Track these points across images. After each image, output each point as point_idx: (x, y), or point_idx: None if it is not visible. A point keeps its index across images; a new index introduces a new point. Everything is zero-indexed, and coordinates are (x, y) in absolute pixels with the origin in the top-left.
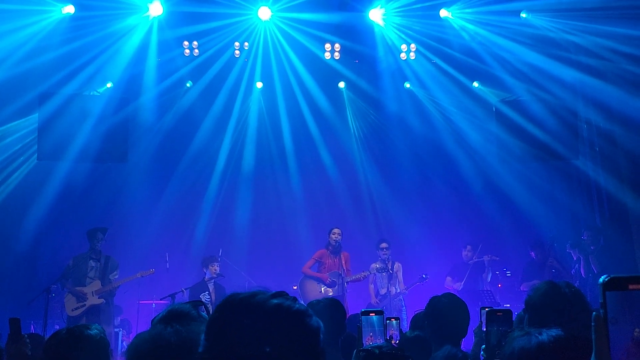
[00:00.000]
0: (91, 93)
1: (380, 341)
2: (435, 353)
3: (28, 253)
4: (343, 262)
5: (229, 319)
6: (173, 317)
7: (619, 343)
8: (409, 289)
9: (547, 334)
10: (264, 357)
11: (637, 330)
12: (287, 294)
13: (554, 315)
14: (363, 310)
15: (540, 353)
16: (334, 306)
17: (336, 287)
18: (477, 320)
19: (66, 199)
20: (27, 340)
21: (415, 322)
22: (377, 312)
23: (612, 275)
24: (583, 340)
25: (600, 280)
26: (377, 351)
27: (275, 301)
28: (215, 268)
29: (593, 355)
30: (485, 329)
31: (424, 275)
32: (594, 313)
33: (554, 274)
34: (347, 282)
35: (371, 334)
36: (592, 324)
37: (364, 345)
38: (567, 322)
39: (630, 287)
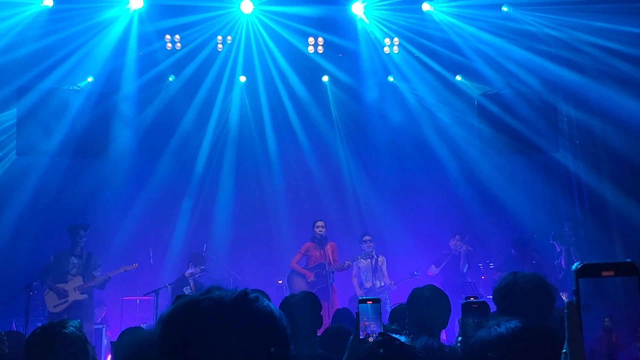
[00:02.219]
0: (71, 87)
1: (376, 329)
2: (412, 344)
3: (7, 250)
4: (329, 252)
5: (180, 334)
6: None
7: (591, 331)
8: (398, 284)
9: (505, 326)
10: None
11: (607, 319)
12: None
13: (513, 300)
14: (360, 298)
15: (499, 344)
16: (308, 299)
17: (322, 278)
18: (460, 312)
19: (46, 194)
20: (5, 338)
21: (394, 315)
22: (374, 300)
23: (584, 262)
24: (540, 330)
25: (573, 267)
26: (396, 342)
27: (223, 297)
28: (202, 269)
29: (566, 341)
30: (462, 321)
31: (415, 273)
32: (566, 300)
33: (535, 265)
34: (333, 272)
35: (365, 319)
36: (565, 311)
37: (361, 332)
38: (527, 305)
39: (603, 273)
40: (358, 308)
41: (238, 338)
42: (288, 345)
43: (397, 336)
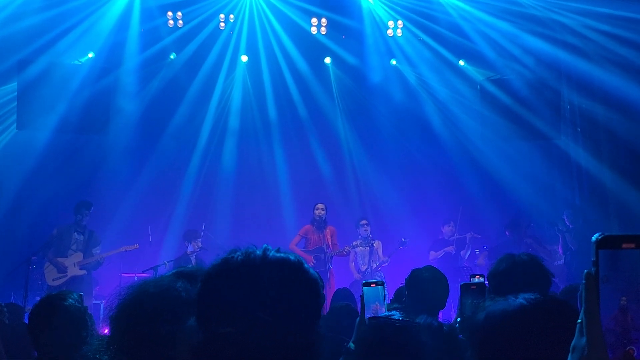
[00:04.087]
0: (72, 62)
1: (382, 310)
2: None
3: (7, 223)
4: (329, 237)
5: (223, 286)
6: (181, 275)
7: (606, 309)
8: (391, 256)
9: (524, 298)
10: (261, 322)
11: (623, 298)
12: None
13: (512, 283)
14: (364, 282)
15: (520, 316)
16: None
17: (320, 262)
18: (456, 294)
19: (46, 169)
20: (5, 310)
21: (398, 295)
22: (377, 283)
23: (605, 234)
24: (561, 303)
25: (594, 238)
26: (387, 320)
27: (271, 256)
28: (198, 244)
29: (582, 312)
30: (459, 302)
31: (403, 239)
32: (585, 271)
33: (530, 252)
34: (332, 257)
35: (377, 303)
36: (583, 281)
37: (367, 315)
38: (525, 288)
39: (624, 245)
40: (362, 291)
41: (272, 288)
42: (318, 292)
43: (391, 313)
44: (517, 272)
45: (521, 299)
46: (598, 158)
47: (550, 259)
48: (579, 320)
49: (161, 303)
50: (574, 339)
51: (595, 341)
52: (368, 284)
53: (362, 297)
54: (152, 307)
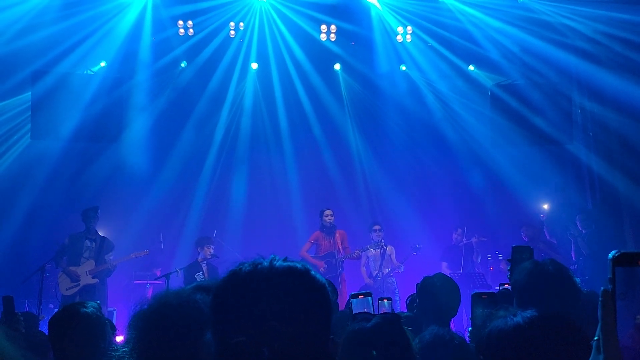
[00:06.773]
0: (85, 72)
1: None
2: (422, 333)
3: (21, 232)
4: (339, 241)
5: (233, 298)
6: (200, 288)
7: (622, 328)
8: (404, 262)
9: (521, 316)
10: (272, 331)
11: (638, 317)
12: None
13: (540, 294)
14: (352, 293)
15: (516, 335)
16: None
17: (331, 267)
18: (469, 301)
19: (60, 178)
20: (21, 318)
21: (410, 304)
22: (365, 294)
23: (622, 251)
24: (558, 318)
25: (610, 255)
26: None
27: (278, 266)
28: (210, 250)
29: (599, 328)
30: (471, 311)
31: (417, 245)
32: (602, 288)
33: (543, 257)
34: (343, 262)
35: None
36: (600, 298)
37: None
38: (554, 299)
39: None
40: (351, 303)
41: (280, 296)
42: (327, 297)
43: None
44: (542, 284)
45: (519, 317)
46: (610, 163)
47: (566, 264)
48: (595, 338)
49: (182, 313)
50: (591, 356)
51: (613, 358)
52: (356, 296)
53: (350, 309)
54: (173, 317)
